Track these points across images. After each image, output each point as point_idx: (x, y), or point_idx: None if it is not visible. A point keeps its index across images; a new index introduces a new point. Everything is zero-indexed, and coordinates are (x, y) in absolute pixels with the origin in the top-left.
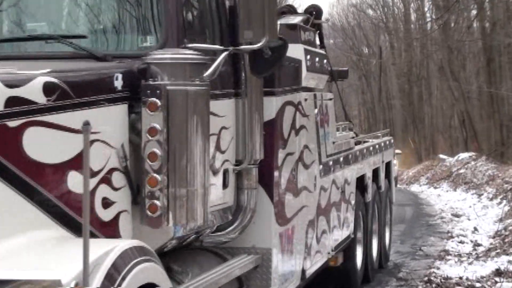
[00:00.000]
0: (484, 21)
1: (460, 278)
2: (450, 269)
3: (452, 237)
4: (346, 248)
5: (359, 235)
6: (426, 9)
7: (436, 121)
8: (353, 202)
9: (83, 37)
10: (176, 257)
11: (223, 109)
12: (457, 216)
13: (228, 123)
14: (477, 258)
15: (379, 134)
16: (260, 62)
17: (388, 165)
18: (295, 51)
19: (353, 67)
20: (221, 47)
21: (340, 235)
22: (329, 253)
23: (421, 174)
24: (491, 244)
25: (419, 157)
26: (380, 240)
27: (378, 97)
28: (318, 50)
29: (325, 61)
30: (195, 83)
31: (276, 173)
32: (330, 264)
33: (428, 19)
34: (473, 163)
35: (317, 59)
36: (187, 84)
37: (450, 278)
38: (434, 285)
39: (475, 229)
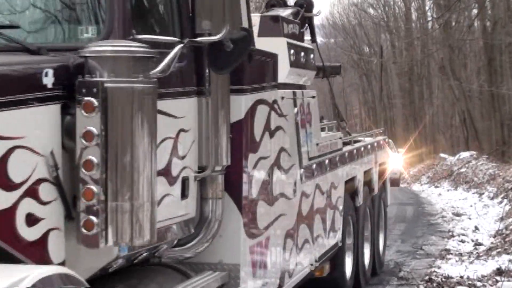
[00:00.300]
0: (485, 20)
1: (461, 277)
2: (451, 268)
3: (453, 236)
4: (334, 256)
5: (349, 242)
6: (427, 8)
7: (437, 120)
8: (341, 207)
9: (15, 27)
10: (132, 275)
11: (182, 109)
12: (458, 215)
13: (188, 125)
14: (478, 257)
15: (378, 133)
16: (220, 57)
17: (382, 166)
18: (277, 45)
19: (354, 66)
20: (175, 39)
21: (325, 243)
22: (312, 264)
23: (422, 173)
24: (492, 243)
25: (420, 156)
26: (373, 246)
27: (379, 96)
28: (303, 44)
29: (312, 55)
30: (139, 79)
31: (245, 180)
32: (315, 275)
33: (429, 18)
34: (474, 162)
35: (302, 53)
36: (129, 81)
37: (451, 277)
38: (435, 284)
39: (476, 228)
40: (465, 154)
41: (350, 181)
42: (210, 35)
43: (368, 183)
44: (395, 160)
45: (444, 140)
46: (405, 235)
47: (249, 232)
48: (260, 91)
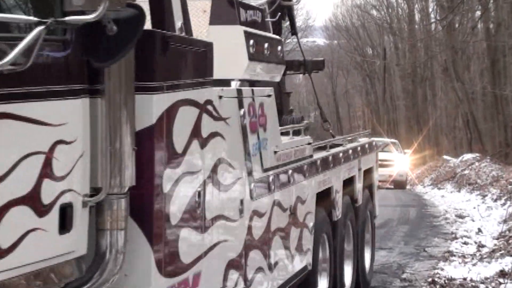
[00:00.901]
0: (488, 22)
1: (464, 279)
2: (454, 270)
3: (456, 238)
4: (302, 282)
5: (324, 262)
6: (430, 10)
7: (440, 122)
8: (311, 224)
9: None
10: None
11: (62, 114)
12: (461, 217)
13: (71, 135)
14: (481, 259)
15: (364, 135)
16: (101, 44)
17: (368, 173)
18: (232, 34)
19: (357, 68)
20: (34, 19)
21: (289, 269)
22: None
23: (425, 175)
24: (495, 245)
25: (423, 158)
26: (356, 264)
27: (382, 98)
28: (268, 34)
29: (279, 47)
30: None
31: (158, 204)
32: None
33: (433, 20)
34: (477, 164)
35: (266, 45)
36: None
37: (454, 279)
38: (438, 286)
39: (479, 230)
40: (468, 156)
41: (324, 193)
42: (81, 13)
43: (350, 193)
44: (402, 161)
45: (447, 142)
46: (408, 237)
47: (166, 269)
48: (183, 88)
